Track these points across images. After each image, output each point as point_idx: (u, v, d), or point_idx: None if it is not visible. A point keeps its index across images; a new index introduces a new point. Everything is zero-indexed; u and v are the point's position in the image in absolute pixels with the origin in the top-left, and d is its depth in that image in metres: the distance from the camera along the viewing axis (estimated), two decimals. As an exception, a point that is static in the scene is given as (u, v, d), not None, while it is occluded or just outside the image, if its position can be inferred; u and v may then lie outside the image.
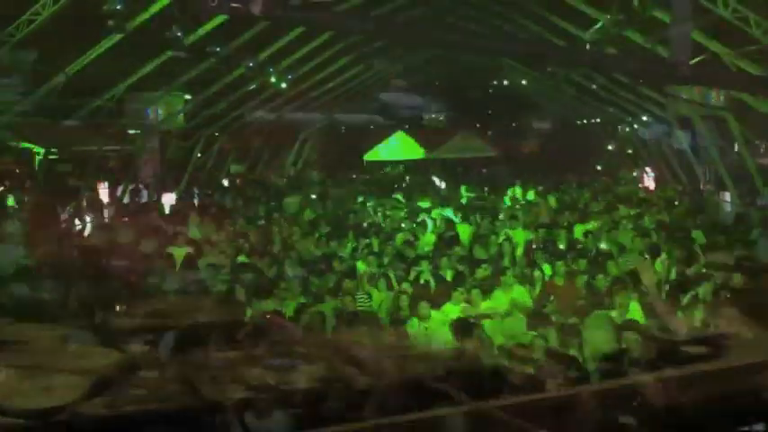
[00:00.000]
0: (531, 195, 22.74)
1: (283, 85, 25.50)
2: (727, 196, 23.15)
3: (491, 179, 34.03)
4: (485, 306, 10.99)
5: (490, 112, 49.75)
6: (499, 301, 11.16)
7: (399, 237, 15.18)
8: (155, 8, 16.40)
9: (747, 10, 15.04)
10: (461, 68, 39.52)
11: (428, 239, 15.83)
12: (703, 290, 10.41)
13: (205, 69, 20.94)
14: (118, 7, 15.38)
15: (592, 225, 16.28)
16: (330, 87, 31.84)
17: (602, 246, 14.43)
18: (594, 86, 28.15)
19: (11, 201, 19.23)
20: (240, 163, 33.76)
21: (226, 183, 30.41)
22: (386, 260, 13.59)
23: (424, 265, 13.09)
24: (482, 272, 12.49)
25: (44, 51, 16.78)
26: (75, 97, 19.31)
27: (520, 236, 16.06)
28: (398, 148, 43.05)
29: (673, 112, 24.59)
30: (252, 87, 25.03)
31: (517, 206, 20.25)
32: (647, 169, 32.88)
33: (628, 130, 34.75)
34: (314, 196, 24.07)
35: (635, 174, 34.34)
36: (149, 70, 19.48)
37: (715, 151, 23.23)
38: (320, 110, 36.38)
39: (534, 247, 14.40)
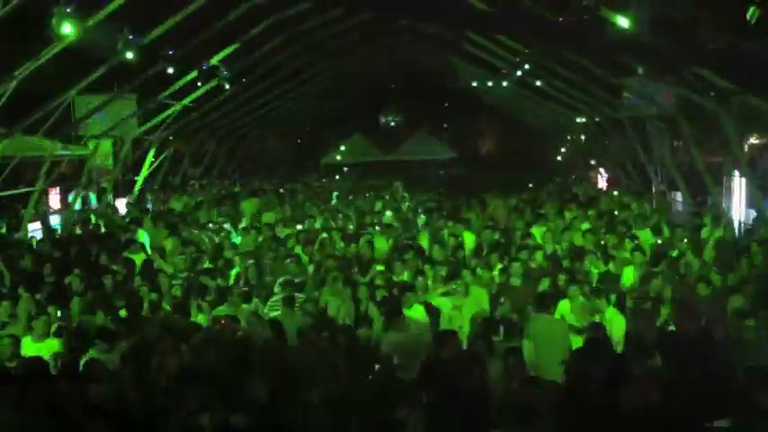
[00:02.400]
0: (488, 197, 22.87)
1: (238, 87, 25.32)
2: (679, 196, 23.57)
3: (449, 180, 34.24)
4: (439, 304, 11.08)
5: (447, 113, 50.01)
6: (455, 302, 11.23)
7: (362, 241, 15.10)
8: (106, 10, 16.17)
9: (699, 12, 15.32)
10: (416, 70, 39.67)
11: (383, 242, 15.83)
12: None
13: (158, 72, 20.71)
14: (68, 10, 15.14)
15: (546, 226, 16.43)
16: (285, 90, 31.74)
17: (556, 246, 14.57)
18: (548, 87, 28.43)
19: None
20: (195, 167, 33.47)
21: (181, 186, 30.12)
22: (341, 264, 13.56)
23: (380, 268, 13.14)
24: (439, 273, 12.57)
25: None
26: (26, 102, 18.98)
27: (472, 237, 16.16)
28: (355, 150, 43.13)
29: (624, 112, 24.96)
30: (206, 90, 24.82)
31: (474, 207, 20.34)
32: (601, 170, 33.31)
33: (581, 130, 35.15)
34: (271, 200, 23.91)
35: (590, 174, 34.78)
36: (101, 73, 19.21)
37: (666, 151, 23.61)
38: (278, 112, 36.21)
39: (489, 248, 14.48)
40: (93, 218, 20.18)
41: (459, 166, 42.76)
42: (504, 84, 30.58)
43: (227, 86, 23.90)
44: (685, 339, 6.79)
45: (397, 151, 43.05)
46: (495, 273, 12.63)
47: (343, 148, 43.77)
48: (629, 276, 12.27)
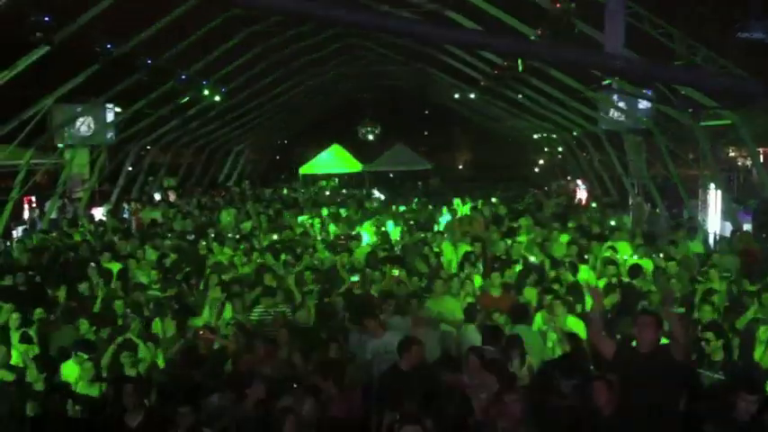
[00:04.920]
0: (465, 209, 22.93)
1: (216, 98, 25.34)
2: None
3: (427, 191, 34.29)
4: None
5: (424, 125, 50.21)
6: (432, 311, 11.21)
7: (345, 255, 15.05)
8: (83, 19, 16.11)
9: (672, 27, 15.53)
10: (393, 81, 39.81)
11: (362, 252, 15.82)
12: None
13: (135, 82, 20.64)
14: (45, 19, 15.06)
15: (524, 237, 16.49)
16: (263, 101, 31.74)
17: (534, 257, 14.63)
18: (526, 101, 28.64)
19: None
20: (172, 177, 33.34)
21: (158, 197, 29.95)
22: (315, 274, 13.51)
23: (357, 278, 13.10)
24: (416, 283, 12.57)
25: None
26: (2, 111, 18.84)
27: (452, 248, 16.19)
28: (334, 160, 43.14)
29: (601, 125, 25.20)
30: (184, 100, 24.77)
31: (453, 218, 20.39)
32: (579, 182, 33.55)
33: (559, 142, 35.40)
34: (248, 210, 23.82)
35: (567, 185, 35.02)
36: (78, 83, 19.11)
37: (642, 163, 23.83)
38: (254, 123, 36.20)
39: (468, 258, 14.48)
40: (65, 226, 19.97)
41: (435, 178, 42.92)
42: (482, 96, 30.77)
43: (204, 97, 23.91)
44: (641, 353, 6.90)
45: (375, 162, 43.10)
46: (475, 284, 12.64)
47: (321, 158, 43.78)
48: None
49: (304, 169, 43.65)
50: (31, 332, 10.44)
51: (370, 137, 44.17)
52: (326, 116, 46.01)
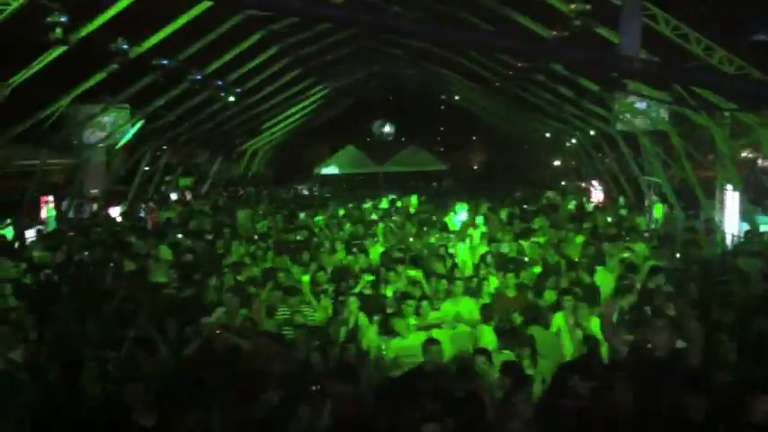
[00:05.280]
0: (482, 209, 22.85)
1: (231, 99, 25.40)
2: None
3: (442, 192, 34.26)
4: (433, 318, 11.02)
5: (440, 126, 50.17)
6: (447, 313, 11.20)
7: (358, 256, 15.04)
8: (100, 20, 16.18)
9: (688, 27, 15.43)
10: (409, 83, 39.81)
11: (377, 252, 15.81)
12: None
13: (151, 82, 20.72)
14: (62, 19, 15.14)
15: (540, 238, 16.41)
16: (278, 101, 31.79)
17: (550, 259, 14.56)
18: (540, 102, 28.57)
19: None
20: (188, 177, 33.45)
21: (174, 196, 30.07)
22: (330, 274, 13.53)
23: (370, 278, 13.06)
24: (434, 284, 12.56)
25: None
26: (19, 111, 18.96)
27: (468, 250, 16.18)
28: (349, 160, 43.21)
29: (617, 126, 25.10)
30: (199, 101, 24.84)
31: (468, 220, 20.32)
32: (594, 183, 33.42)
33: (574, 143, 35.28)
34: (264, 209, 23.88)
35: (582, 186, 34.88)
36: (94, 83, 19.19)
37: (658, 165, 23.71)
38: (269, 124, 36.27)
39: (484, 259, 14.43)
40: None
41: (449, 179, 42.88)
42: (496, 97, 30.74)
43: (219, 98, 23.95)
44: (656, 356, 6.86)
45: (390, 163, 43.13)
46: (491, 285, 12.61)
47: (336, 159, 43.85)
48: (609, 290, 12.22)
49: (319, 169, 43.76)
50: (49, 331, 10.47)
51: (385, 138, 44.23)
52: (341, 117, 46.03)
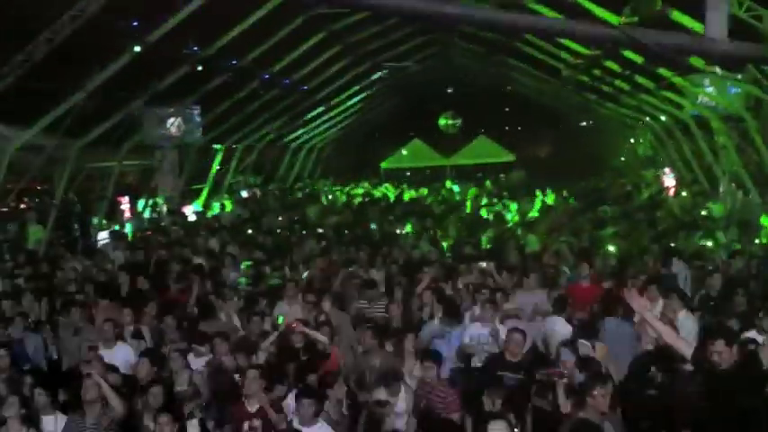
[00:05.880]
0: (550, 199, 22.69)
1: (297, 96, 25.61)
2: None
3: (510, 183, 34.05)
4: (507, 309, 10.98)
5: (507, 116, 49.72)
6: (521, 304, 11.17)
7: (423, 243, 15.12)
8: (170, 23, 16.49)
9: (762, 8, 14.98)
10: (474, 73, 39.55)
11: (448, 244, 15.84)
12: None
13: (221, 83, 21.09)
14: (134, 23, 15.53)
15: (613, 228, 16.20)
16: (343, 97, 32.00)
17: (622, 248, 14.38)
18: (610, 89, 28.10)
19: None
20: (258, 174, 33.92)
21: (245, 194, 30.54)
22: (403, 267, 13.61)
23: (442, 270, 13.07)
24: (506, 275, 12.54)
25: (63, 69, 16.91)
26: (94, 114, 19.47)
27: (536, 240, 16.05)
28: (415, 154, 43.21)
29: (690, 112, 24.55)
30: (267, 99, 25.17)
31: (539, 210, 20.21)
32: (666, 170, 32.73)
33: (645, 131, 34.65)
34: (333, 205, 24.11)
35: (656, 174, 34.19)
36: (166, 85, 19.61)
37: (733, 150, 23.12)
38: (335, 120, 36.52)
39: (555, 249, 14.33)
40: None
41: (518, 169, 42.48)
42: (565, 86, 30.33)
43: (286, 96, 24.22)
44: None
45: (457, 155, 43.00)
46: (565, 276, 12.51)
47: (403, 152, 43.90)
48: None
49: (385, 164, 43.86)
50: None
51: (452, 130, 44.09)
52: (407, 110, 45.98)
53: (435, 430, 7.87)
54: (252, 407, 7.88)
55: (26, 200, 22.93)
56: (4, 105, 15.86)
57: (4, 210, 20.34)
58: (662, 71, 22.08)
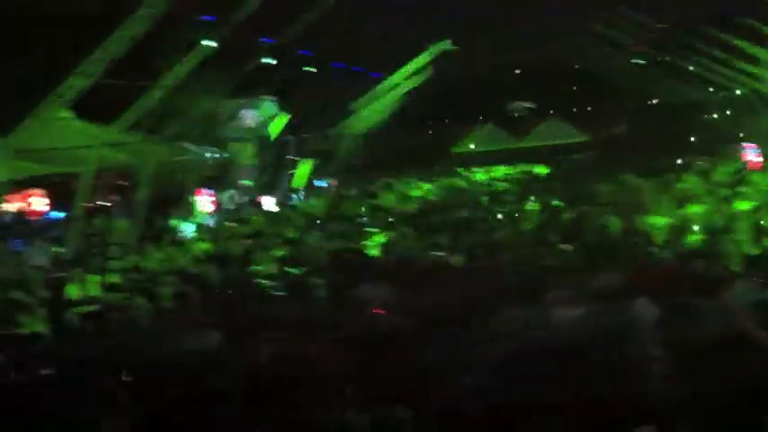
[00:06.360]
0: (627, 179, 22.25)
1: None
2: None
3: (583, 165, 33.60)
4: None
5: (577, 96, 48.98)
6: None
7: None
8: (245, 14, 16.67)
9: None
10: (543, 53, 39.08)
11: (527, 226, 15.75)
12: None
13: (297, 73, 21.25)
14: (210, 18, 15.77)
15: (696, 208, 15.84)
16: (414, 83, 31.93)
17: (709, 228, 14.04)
18: (685, 63, 27.48)
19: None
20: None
21: (324, 184, 30.77)
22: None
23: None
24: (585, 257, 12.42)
25: (138, 66, 17.30)
26: (172, 109, 19.89)
27: (618, 222, 15.79)
28: (487, 138, 42.95)
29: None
30: (339, 87, 25.29)
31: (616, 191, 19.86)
32: (746, 146, 31.80)
33: (723, 105, 33.80)
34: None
35: (735, 149, 33.24)
36: (243, 77, 19.87)
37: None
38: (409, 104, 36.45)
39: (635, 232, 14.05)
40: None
41: (592, 150, 41.84)
42: (637, 62, 29.77)
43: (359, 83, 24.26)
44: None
45: (528, 138, 42.57)
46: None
47: (473, 137, 43.64)
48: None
49: (457, 149, 43.68)
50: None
51: (522, 112, 43.64)
52: (476, 93, 45.62)
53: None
54: None
55: (111, 195, 23.56)
56: (87, 103, 16.31)
57: (91, 205, 20.97)
58: (738, 42, 21.50)
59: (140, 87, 17.81)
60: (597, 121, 49.24)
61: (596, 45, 31.56)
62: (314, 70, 21.23)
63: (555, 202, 19.02)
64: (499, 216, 17.83)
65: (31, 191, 19.36)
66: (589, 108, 49.06)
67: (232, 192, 24.50)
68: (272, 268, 13.38)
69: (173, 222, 20.84)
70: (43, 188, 19.89)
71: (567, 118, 45.11)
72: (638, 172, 23.61)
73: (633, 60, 29.60)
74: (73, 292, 13.17)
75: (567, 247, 13.20)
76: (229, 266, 13.85)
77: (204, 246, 16.31)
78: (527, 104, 43.19)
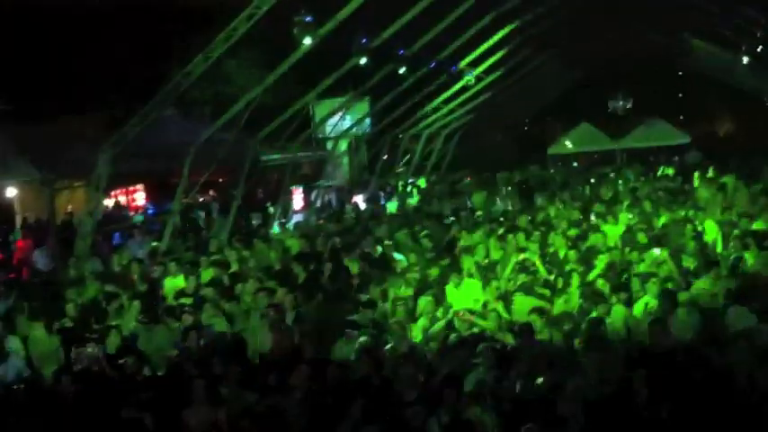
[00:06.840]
0: (728, 181, 21.49)
1: (469, 80, 25.39)
2: None
3: (685, 166, 32.65)
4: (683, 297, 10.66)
5: (679, 96, 47.66)
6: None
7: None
8: (341, 15, 16.80)
9: None
10: (645, 51, 38.16)
11: (617, 231, 15.43)
12: None
13: (390, 72, 21.30)
14: (307, 19, 15.98)
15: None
16: (513, 80, 31.60)
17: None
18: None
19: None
20: (424, 162, 34.17)
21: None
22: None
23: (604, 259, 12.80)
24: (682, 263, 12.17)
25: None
26: (268, 110, 20.29)
27: (715, 228, 15.29)
28: (584, 138, 42.14)
29: None
30: (433, 87, 25.24)
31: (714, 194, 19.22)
32: None
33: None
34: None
35: None
36: (337, 77, 20.03)
37: None
38: (502, 104, 36.13)
39: (739, 237, 13.54)
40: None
41: (693, 151, 40.58)
42: (743, 60, 28.68)
43: (455, 82, 24.14)
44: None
45: (628, 138, 41.57)
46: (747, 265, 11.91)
47: (570, 136, 42.93)
48: None
49: (552, 149, 43.05)
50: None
51: (621, 111, 42.70)
52: (574, 91, 44.87)
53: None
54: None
55: (210, 191, 24.32)
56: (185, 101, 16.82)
57: (190, 201, 21.63)
58: None
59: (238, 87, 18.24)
60: (700, 121, 47.79)
61: (700, 42, 30.62)
62: (404, 69, 21.11)
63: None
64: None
65: (133, 186, 20.13)
66: (693, 107, 47.70)
67: (325, 190, 24.88)
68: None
69: (267, 219, 21.31)
70: (145, 183, 20.67)
71: (669, 118, 43.92)
72: (741, 174, 22.77)
73: (740, 58, 28.42)
74: (170, 285, 13.66)
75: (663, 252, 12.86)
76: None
77: (291, 243, 16.56)
78: (627, 103, 42.24)
